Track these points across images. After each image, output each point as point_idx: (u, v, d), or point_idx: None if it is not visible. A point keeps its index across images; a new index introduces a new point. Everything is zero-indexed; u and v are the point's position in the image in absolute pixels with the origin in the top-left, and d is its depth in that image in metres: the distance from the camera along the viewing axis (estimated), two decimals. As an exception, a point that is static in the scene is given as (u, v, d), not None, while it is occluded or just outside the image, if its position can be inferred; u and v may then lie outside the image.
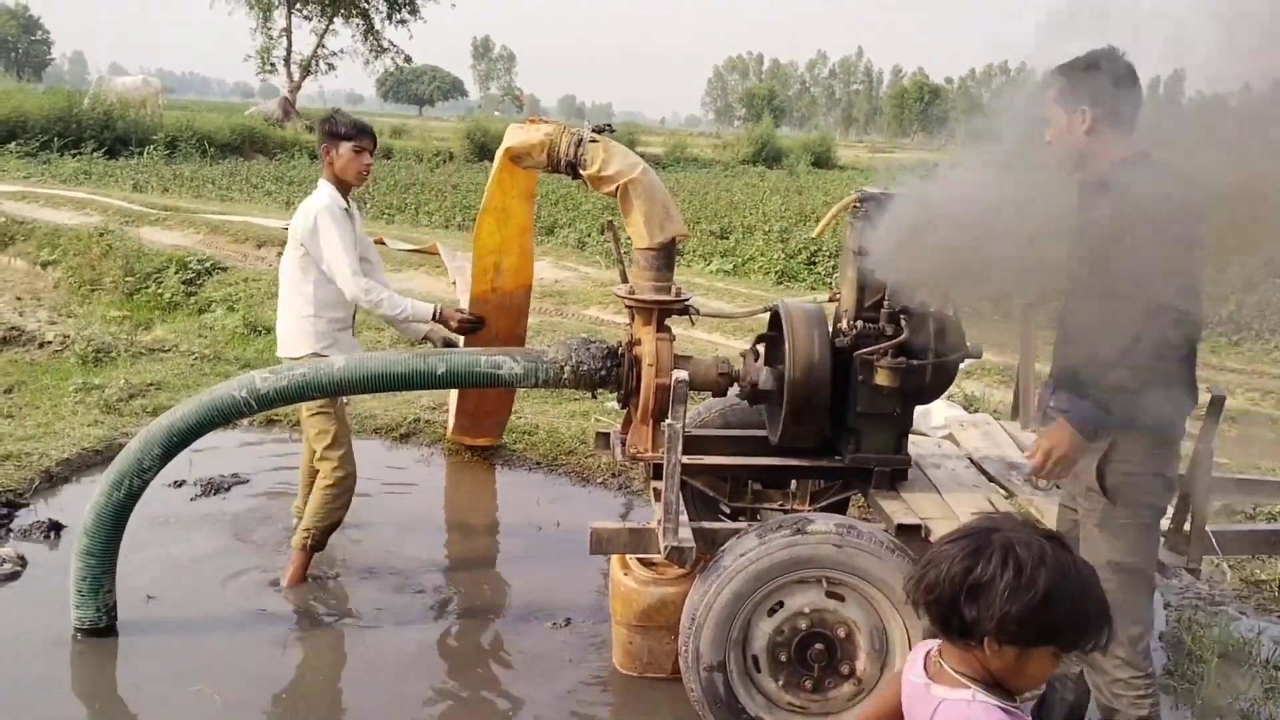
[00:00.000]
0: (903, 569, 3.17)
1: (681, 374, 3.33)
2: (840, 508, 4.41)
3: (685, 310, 3.93)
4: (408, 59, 41.03)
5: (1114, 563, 2.85)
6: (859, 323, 3.56)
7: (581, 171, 3.89)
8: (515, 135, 3.99)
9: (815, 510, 3.81)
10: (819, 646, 3.32)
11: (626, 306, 3.91)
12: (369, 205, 17.06)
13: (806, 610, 3.29)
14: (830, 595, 3.30)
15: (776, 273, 12.47)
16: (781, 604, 3.30)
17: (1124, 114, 2.84)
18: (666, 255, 3.87)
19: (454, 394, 5.19)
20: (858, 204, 3.65)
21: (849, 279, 3.66)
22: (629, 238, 3.95)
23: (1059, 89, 2.89)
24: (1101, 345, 2.68)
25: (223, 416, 3.79)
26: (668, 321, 3.89)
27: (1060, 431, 2.79)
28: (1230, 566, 4.55)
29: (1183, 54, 2.82)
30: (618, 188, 3.82)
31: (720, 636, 3.26)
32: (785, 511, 4.04)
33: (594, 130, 3.94)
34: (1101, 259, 2.67)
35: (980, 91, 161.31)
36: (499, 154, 4.07)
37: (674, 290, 3.88)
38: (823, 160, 40.23)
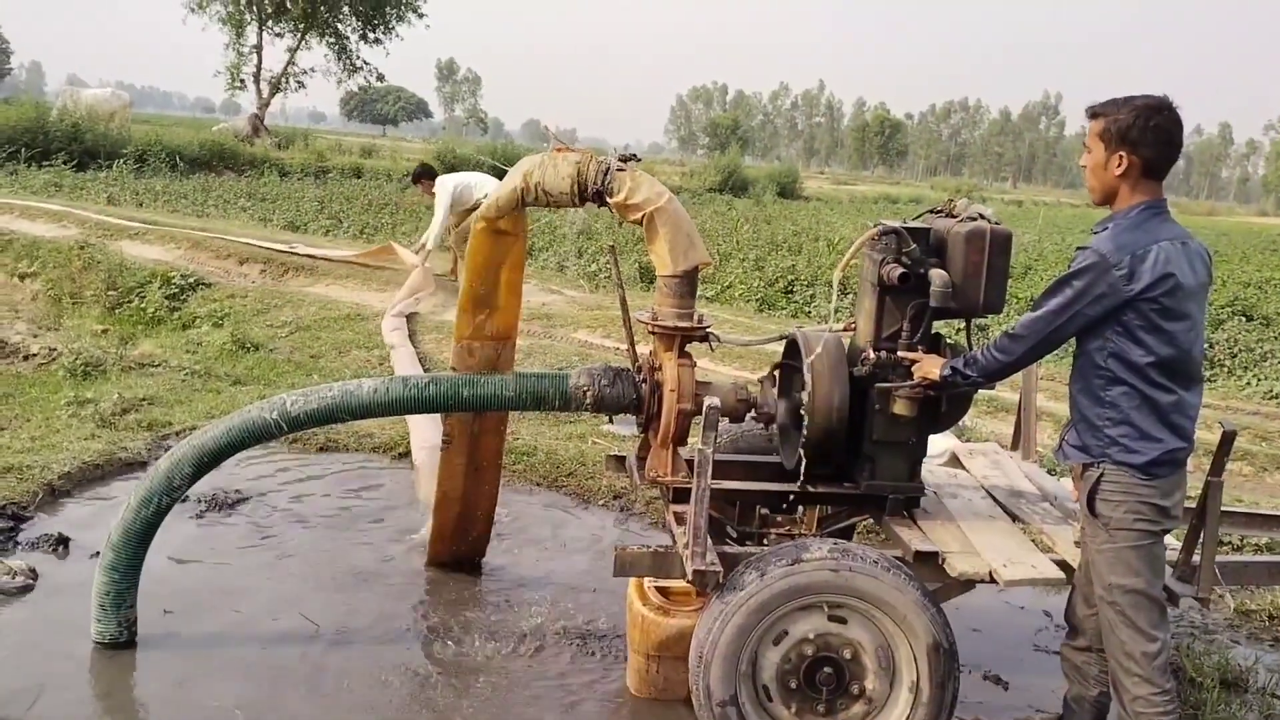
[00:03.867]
0: (900, 587, 3.26)
1: (715, 400, 3.42)
2: (847, 533, 4.52)
3: (706, 337, 4.02)
4: (380, 77, 41.04)
5: (1117, 585, 3.01)
6: (878, 353, 3.66)
7: (608, 199, 3.97)
8: (540, 167, 4.02)
9: (819, 536, 3.89)
10: (827, 670, 3.36)
11: (650, 332, 3.99)
12: (346, 225, 17.07)
13: (811, 636, 3.35)
14: (832, 619, 3.35)
15: (757, 300, 12.64)
16: (786, 632, 3.35)
17: (1159, 168, 3.02)
18: (689, 283, 3.96)
19: (429, 518, 4.83)
20: (876, 237, 3.75)
21: (867, 310, 3.76)
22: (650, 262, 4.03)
23: (1106, 125, 3.02)
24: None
25: (253, 438, 3.84)
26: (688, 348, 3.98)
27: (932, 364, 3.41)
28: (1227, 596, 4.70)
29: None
30: (644, 215, 3.91)
31: (729, 671, 3.30)
32: (791, 537, 4.13)
33: (620, 159, 4.04)
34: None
35: (939, 127, 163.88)
36: (515, 184, 4.03)
37: (696, 317, 3.98)
38: (788, 190, 40.71)
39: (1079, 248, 3.08)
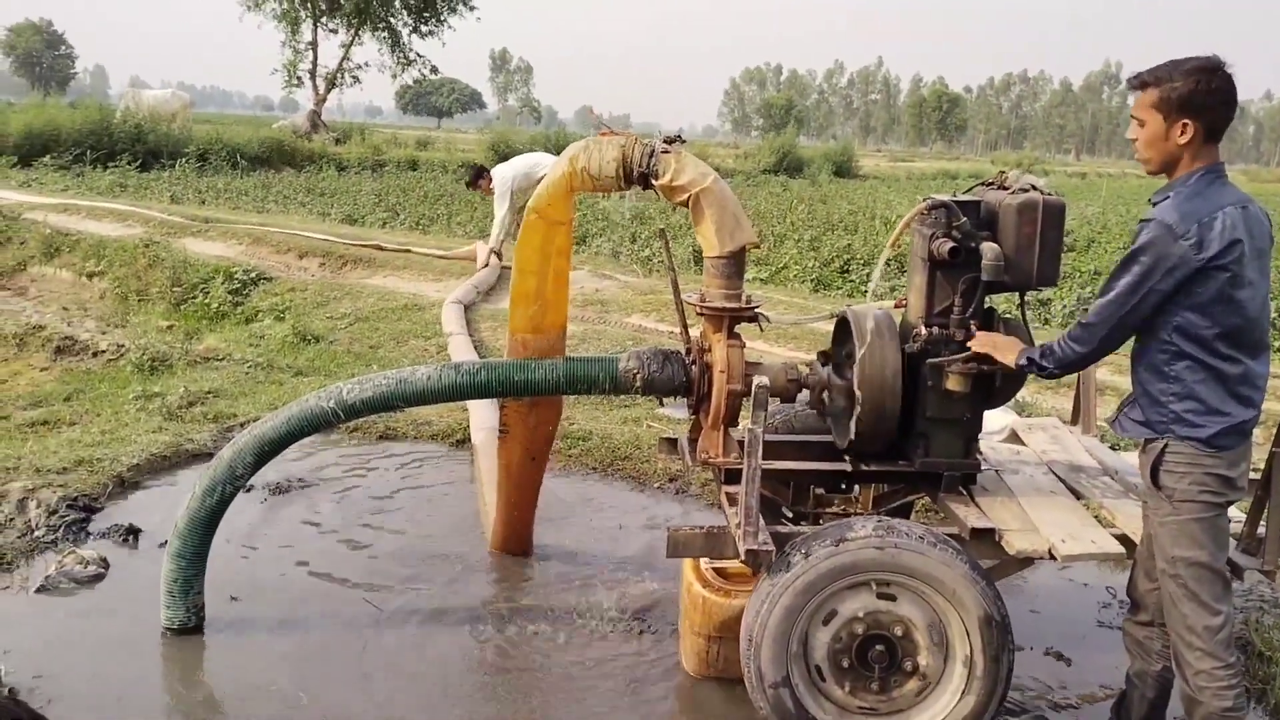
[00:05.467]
0: (948, 562, 3.23)
1: (763, 380, 3.42)
2: (904, 512, 4.49)
3: (754, 318, 4.01)
4: (434, 70, 41.34)
5: (1180, 557, 2.95)
6: (930, 329, 3.63)
7: (654, 181, 3.98)
8: (585, 152, 4.04)
9: (867, 514, 3.87)
10: (879, 648, 3.35)
11: (698, 314, 3.99)
12: (403, 216, 17.26)
13: (860, 614, 3.33)
14: (881, 596, 3.33)
15: (812, 280, 12.56)
16: (835, 612, 3.34)
17: (1220, 131, 2.94)
18: (737, 263, 3.95)
19: (493, 505, 4.91)
20: (925, 212, 3.71)
21: (917, 285, 3.72)
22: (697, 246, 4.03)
23: (1163, 95, 2.90)
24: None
25: (312, 426, 3.92)
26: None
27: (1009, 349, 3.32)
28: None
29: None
30: (690, 197, 3.91)
31: (780, 652, 3.30)
32: (846, 516, 4.12)
33: (665, 141, 4.04)
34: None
35: (999, 100, 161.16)
36: (563, 171, 4.07)
37: (744, 298, 3.97)
38: (844, 170, 40.29)
39: (1141, 220, 2.98)
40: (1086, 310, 3.08)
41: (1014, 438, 4.65)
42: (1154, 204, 2.99)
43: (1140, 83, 2.95)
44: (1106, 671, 3.93)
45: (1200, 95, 2.85)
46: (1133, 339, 3.07)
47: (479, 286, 10.17)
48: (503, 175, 10.43)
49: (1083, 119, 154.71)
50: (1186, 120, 2.87)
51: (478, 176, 11.06)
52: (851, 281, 12.70)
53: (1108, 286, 2.96)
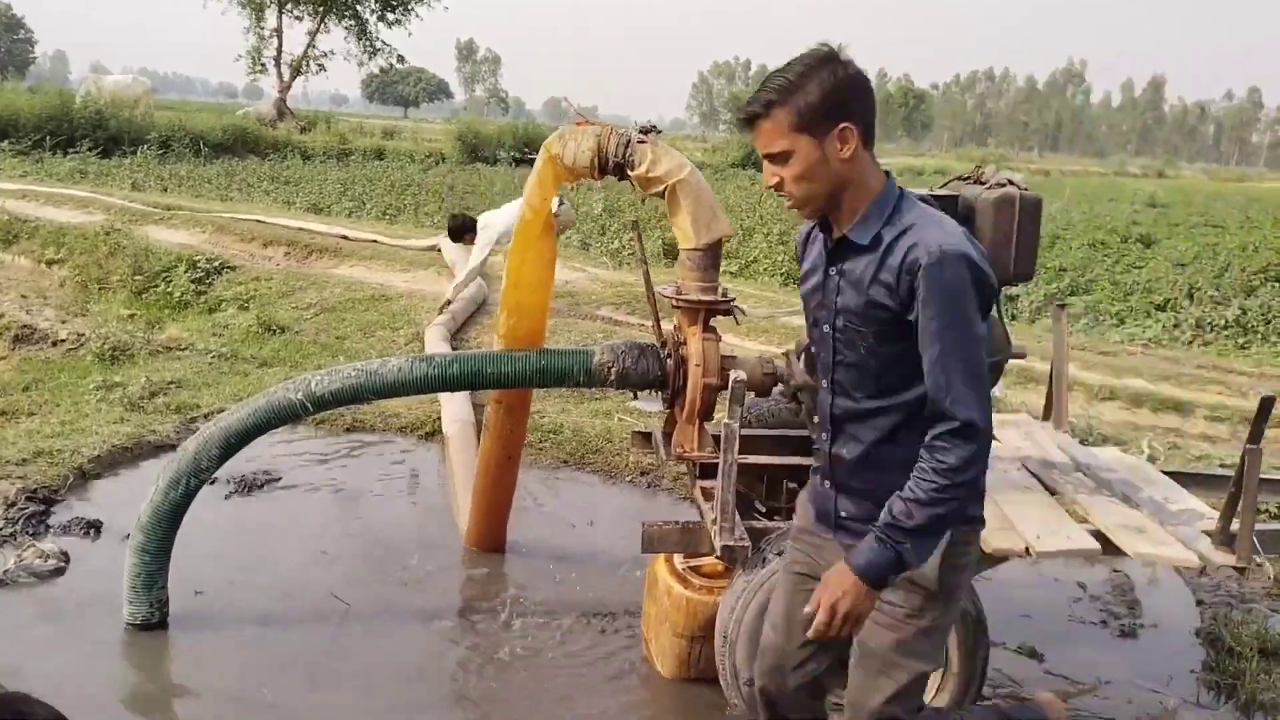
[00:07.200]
0: None
1: (740, 374, 3.39)
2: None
3: (730, 311, 3.98)
4: (401, 59, 41.06)
5: None
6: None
7: (629, 172, 3.93)
8: (560, 141, 4.00)
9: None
10: (853, 641, 3.36)
11: (674, 307, 3.95)
12: (370, 205, 17.10)
13: (836, 611, 3.33)
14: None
15: (782, 274, 12.57)
16: (807, 605, 3.34)
17: (874, 128, 2.34)
18: (713, 256, 3.91)
19: (467, 497, 4.85)
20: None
21: (895, 280, 3.70)
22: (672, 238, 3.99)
23: (795, 109, 2.23)
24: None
25: (279, 419, 3.84)
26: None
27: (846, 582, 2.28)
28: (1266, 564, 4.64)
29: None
30: (666, 188, 3.87)
31: (754, 650, 3.28)
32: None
33: (641, 131, 4.00)
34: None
35: (964, 97, 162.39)
36: (540, 166, 4.04)
37: (720, 291, 3.93)
38: (811, 164, 40.31)
39: (960, 255, 2.20)
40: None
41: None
42: (866, 242, 2.31)
43: (762, 106, 2.25)
44: (1079, 667, 3.95)
45: (843, 90, 2.23)
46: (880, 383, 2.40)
47: (451, 325, 8.40)
48: (490, 226, 8.60)
49: (1046, 116, 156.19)
50: (844, 125, 2.24)
51: (465, 229, 9.07)
52: (821, 276, 12.70)
53: (960, 338, 2.21)
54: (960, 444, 2.19)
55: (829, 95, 2.22)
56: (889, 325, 2.29)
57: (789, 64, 2.26)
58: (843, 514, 2.51)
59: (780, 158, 2.29)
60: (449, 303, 8.60)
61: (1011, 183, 3.56)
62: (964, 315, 2.21)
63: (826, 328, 2.44)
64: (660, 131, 4.05)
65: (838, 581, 2.27)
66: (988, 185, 3.55)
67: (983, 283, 2.23)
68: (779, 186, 2.33)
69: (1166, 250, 16.22)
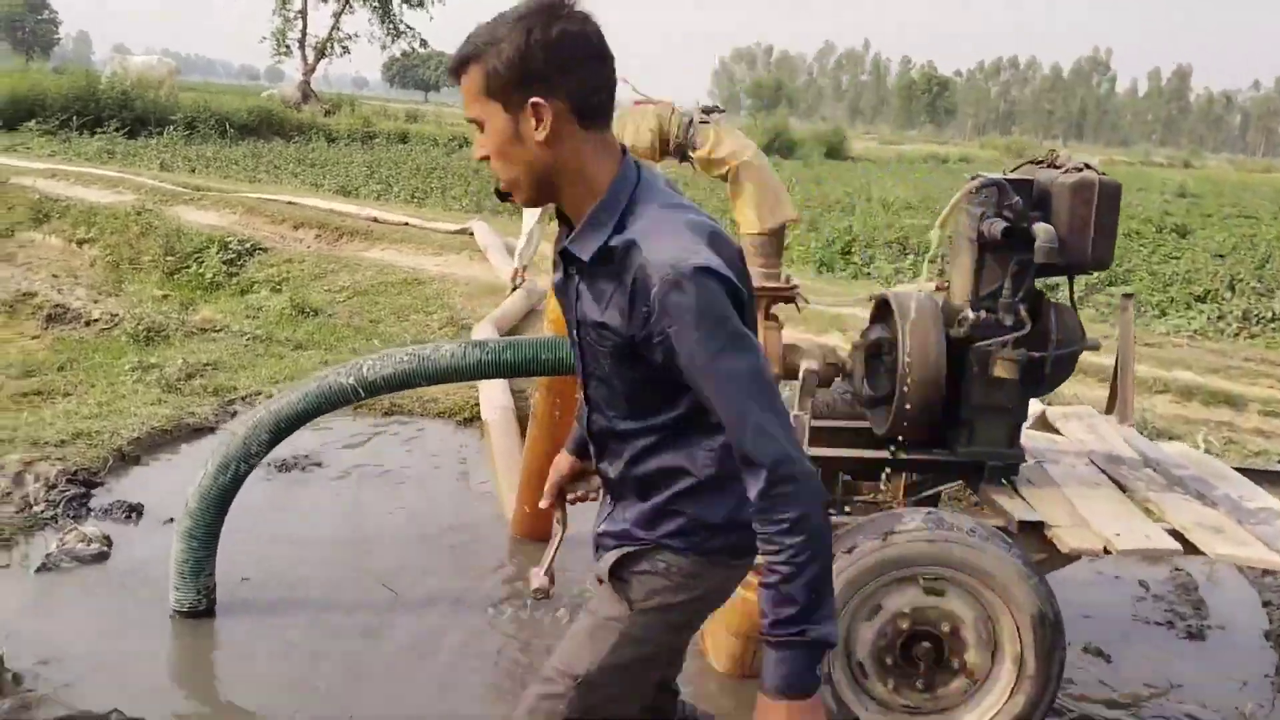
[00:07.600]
0: (1000, 557, 3.10)
1: (812, 364, 3.28)
2: (932, 502, 4.36)
3: (793, 299, 3.87)
4: (423, 42, 40.98)
5: None
6: (977, 313, 3.49)
7: (691, 153, 3.82)
8: (620, 121, 3.85)
9: (911, 506, 3.74)
10: (924, 645, 3.22)
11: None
12: (396, 189, 17.04)
13: (907, 610, 3.19)
14: (929, 592, 3.20)
15: (815, 262, 12.44)
16: (880, 607, 3.21)
17: (599, 104, 1.86)
18: (777, 241, 3.80)
19: (512, 484, 4.79)
20: (975, 191, 3.57)
21: (964, 267, 3.58)
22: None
23: (485, 70, 1.79)
24: None
25: (330, 403, 3.76)
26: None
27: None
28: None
29: None
30: (729, 170, 3.75)
31: None
32: (877, 504, 3.99)
33: (704, 111, 3.88)
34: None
35: (988, 85, 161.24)
36: None
37: (783, 277, 3.82)
38: (835, 151, 40.18)
39: (697, 270, 1.74)
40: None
41: (1044, 425, 4.53)
42: (588, 258, 1.86)
43: (458, 60, 1.83)
44: (1149, 668, 3.84)
45: (540, 53, 1.75)
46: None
47: (500, 323, 7.59)
48: None
49: (1071, 105, 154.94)
50: (536, 99, 1.77)
51: None
52: (854, 263, 12.58)
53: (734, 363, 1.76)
54: (785, 489, 1.74)
55: (521, 59, 1.74)
56: (626, 350, 1.86)
57: (512, 9, 1.81)
58: (600, 529, 2.21)
59: (480, 127, 1.85)
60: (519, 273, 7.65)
61: (1089, 166, 3.46)
62: (727, 335, 1.75)
63: (574, 333, 2.04)
64: (724, 111, 3.94)
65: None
66: (1064, 169, 3.45)
67: (734, 291, 1.78)
68: (488, 160, 1.89)
69: (1203, 241, 16.00)
